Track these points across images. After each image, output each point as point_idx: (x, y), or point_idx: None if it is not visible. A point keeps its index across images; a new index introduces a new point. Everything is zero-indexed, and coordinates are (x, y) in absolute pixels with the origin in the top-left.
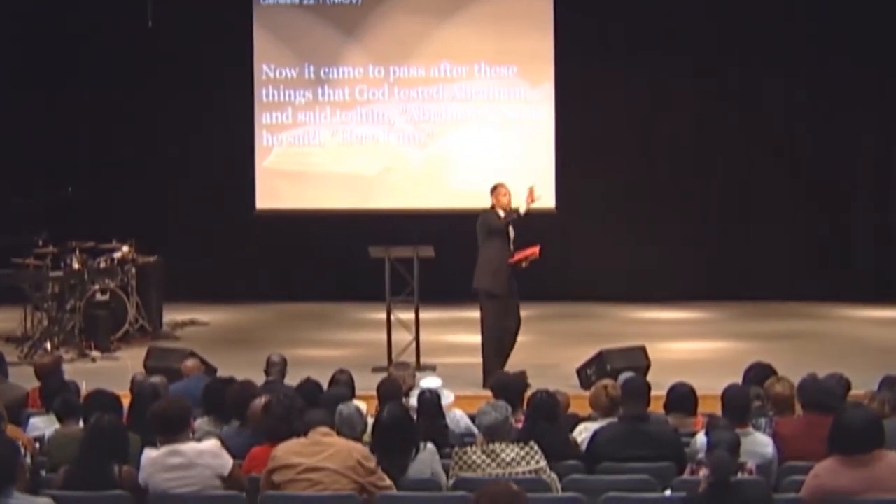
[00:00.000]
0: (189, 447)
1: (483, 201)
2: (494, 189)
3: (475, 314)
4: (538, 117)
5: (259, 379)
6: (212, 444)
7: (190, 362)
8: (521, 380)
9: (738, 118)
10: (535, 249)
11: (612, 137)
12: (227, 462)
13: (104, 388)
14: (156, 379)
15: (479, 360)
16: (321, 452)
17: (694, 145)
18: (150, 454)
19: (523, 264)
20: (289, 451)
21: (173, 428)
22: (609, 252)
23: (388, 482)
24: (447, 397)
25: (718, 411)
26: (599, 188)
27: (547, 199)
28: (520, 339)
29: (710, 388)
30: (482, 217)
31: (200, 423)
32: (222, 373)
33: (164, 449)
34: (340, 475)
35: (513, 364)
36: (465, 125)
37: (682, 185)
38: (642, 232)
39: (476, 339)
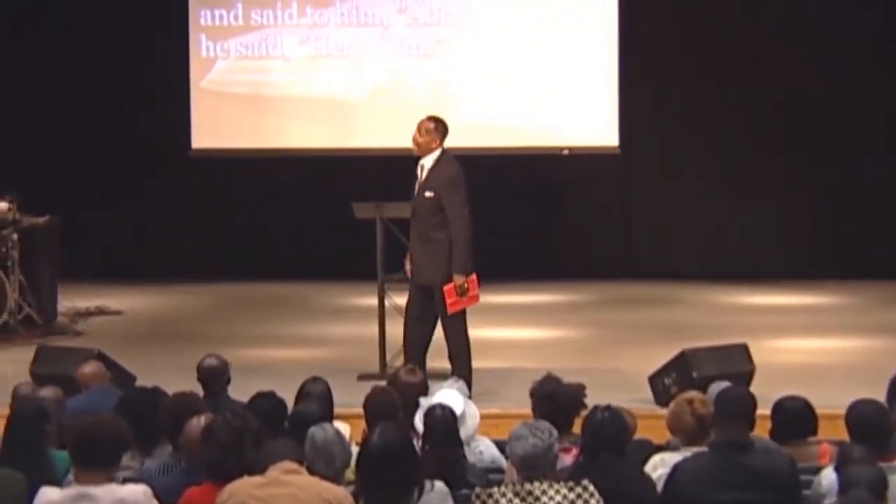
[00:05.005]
0: (105, 491)
1: (512, 137)
2: None
3: (506, 298)
4: (595, 18)
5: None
6: (139, 491)
7: (89, 368)
8: (575, 393)
9: (883, 37)
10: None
11: (701, 51)
12: None
13: None
14: (47, 392)
15: (511, 364)
16: (283, 496)
17: (819, 67)
18: (48, 497)
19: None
20: (239, 494)
21: (98, 459)
22: (692, 212)
23: None
24: (471, 418)
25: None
26: (680, 123)
27: (607, 134)
28: (562, 333)
29: (837, 404)
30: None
31: None
32: (143, 382)
33: (71, 490)
34: None
35: (545, 368)
36: (491, 29)
37: (798, 122)
38: (740, 185)
39: (509, 334)
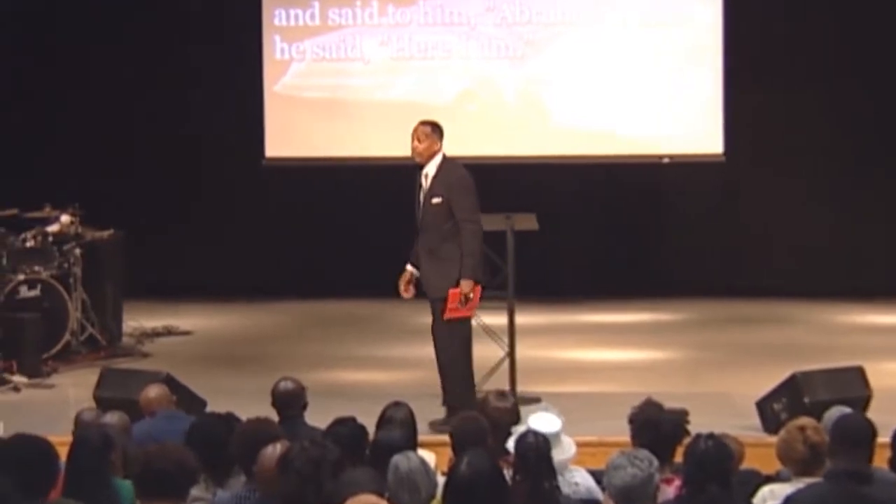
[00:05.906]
0: None
1: (608, 144)
2: None
3: (602, 317)
4: (699, 16)
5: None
6: None
7: (154, 392)
8: (677, 420)
9: None
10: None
11: (814, 49)
12: None
13: (31, 431)
14: (112, 418)
15: (609, 388)
16: None
17: None
18: None
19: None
20: None
21: (164, 491)
22: (802, 224)
23: None
24: (568, 448)
25: None
26: (792, 127)
27: (710, 140)
28: (664, 355)
29: None
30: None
31: None
32: (214, 408)
33: None
34: None
35: (645, 393)
36: (584, 28)
37: None
38: (853, 194)
39: (606, 355)
